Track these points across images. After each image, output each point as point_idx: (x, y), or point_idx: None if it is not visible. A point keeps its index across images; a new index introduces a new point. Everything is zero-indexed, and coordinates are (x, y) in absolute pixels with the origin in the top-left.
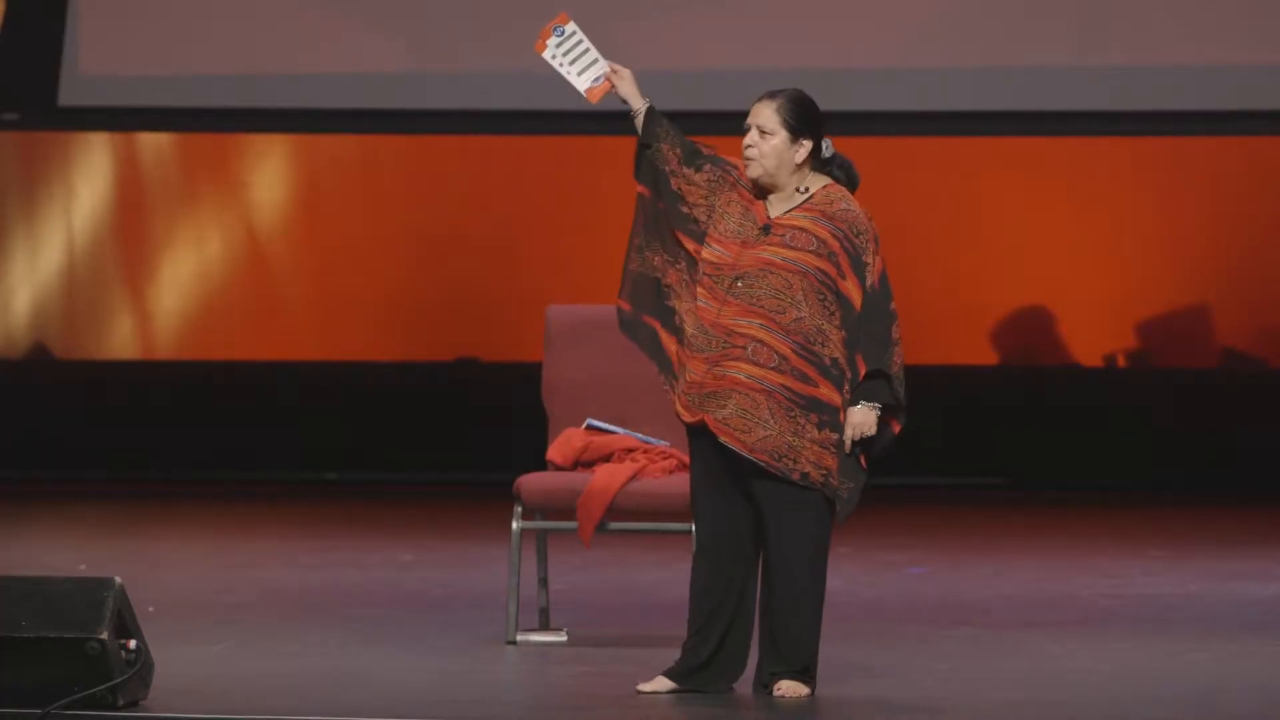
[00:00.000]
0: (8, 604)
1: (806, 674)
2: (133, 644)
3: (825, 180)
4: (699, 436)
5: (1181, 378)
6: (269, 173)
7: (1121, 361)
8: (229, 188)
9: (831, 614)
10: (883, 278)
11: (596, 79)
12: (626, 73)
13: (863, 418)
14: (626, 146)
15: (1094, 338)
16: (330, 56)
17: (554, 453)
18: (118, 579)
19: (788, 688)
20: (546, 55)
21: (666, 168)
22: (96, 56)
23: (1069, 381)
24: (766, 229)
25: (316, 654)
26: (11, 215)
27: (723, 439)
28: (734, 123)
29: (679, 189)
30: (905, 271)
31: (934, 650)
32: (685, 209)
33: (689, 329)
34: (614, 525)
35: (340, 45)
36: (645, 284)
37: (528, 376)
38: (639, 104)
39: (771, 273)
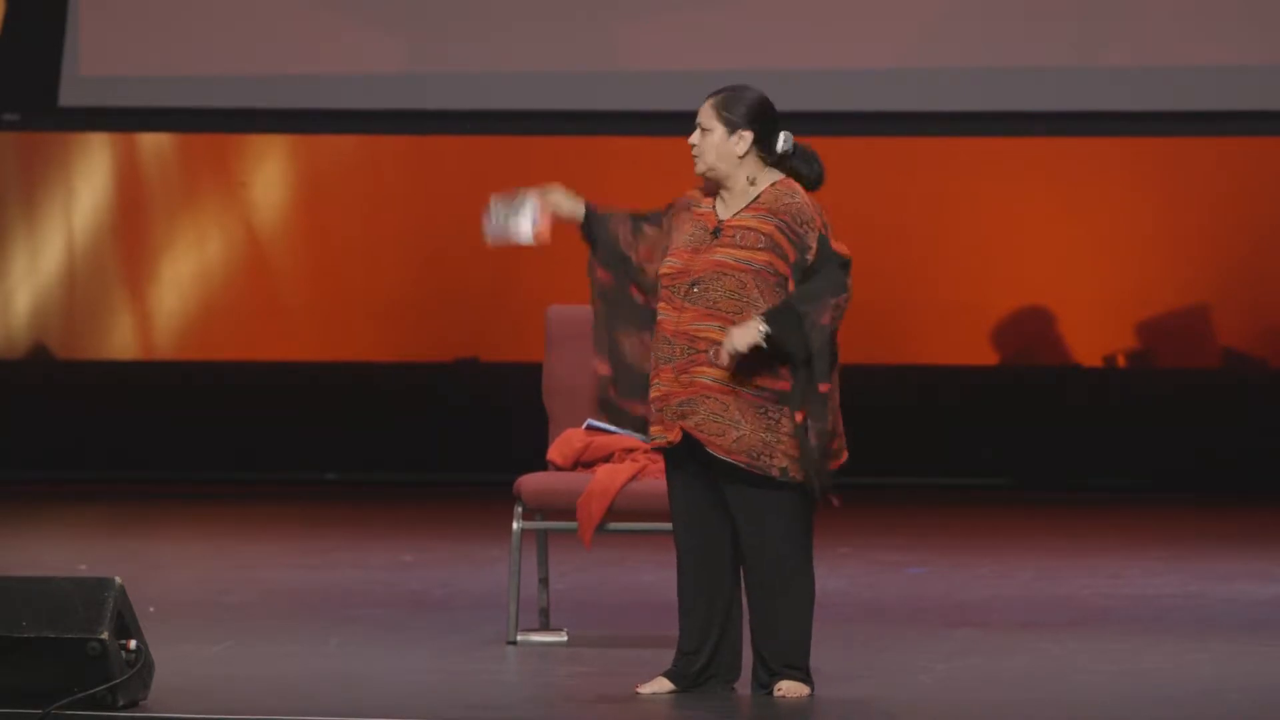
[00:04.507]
0: (8, 604)
1: (803, 671)
2: (133, 644)
3: (778, 176)
4: (672, 453)
5: (1181, 378)
6: (269, 173)
7: (1121, 361)
8: (229, 188)
9: (831, 614)
10: (834, 252)
11: (534, 220)
12: (553, 187)
13: (742, 332)
14: (627, 147)
15: (1094, 338)
16: (330, 56)
17: (554, 453)
18: (118, 579)
19: (788, 688)
20: (490, 237)
21: (627, 251)
22: (97, 57)
23: (1069, 381)
24: (717, 231)
25: (316, 654)
26: (11, 215)
27: (705, 446)
28: None
29: (641, 262)
30: (905, 271)
31: (934, 650)
32: (654, 271)
33: (657, 346)
34: (614, 525)
35: (340, 45)
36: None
37: (528, 376)
38: (579, 210)
39: (725, 274)
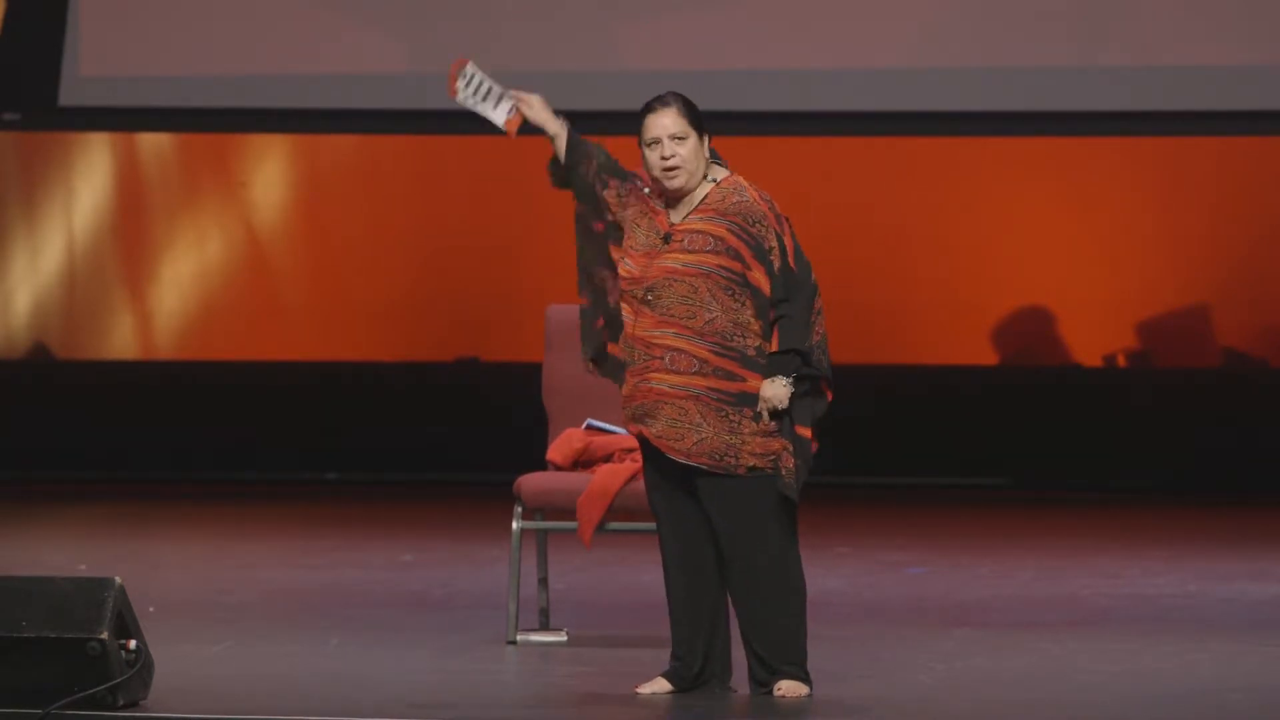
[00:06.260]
0: (8, 604)
1: (800, 668)
2: (133, 644)
3: (724, 170)
4: (647, 446)
5: (1181, 378)
6: (269, 173)
7: (1121, 361)
8: (229, 188)
9: (831, 614)
10: (797, 255)
11: (510, 111)
12: (534, 99)
13: (772, 391)
14: (627, 147)
15: (1094, 338)
16: (330, 56)
17: (554, 453)
18: (118, 579)
19: (788, 688)
20: (459, 99)
21: (593, 182)
22: (97, 57)
23: (1069, 381)
24: (667, 238)
25: (316, 654)
26: (11, 215)
27: (665, 453)
28: (736, 123)
29: (603, 200)
30: (905, 271)
31: (934, 650)
32: (610, 218)
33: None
34: (614, 525)
35: (340, 45)
36: (597, 292)
37: (528, 376)
38: (556, 127)
39: (676, 280)
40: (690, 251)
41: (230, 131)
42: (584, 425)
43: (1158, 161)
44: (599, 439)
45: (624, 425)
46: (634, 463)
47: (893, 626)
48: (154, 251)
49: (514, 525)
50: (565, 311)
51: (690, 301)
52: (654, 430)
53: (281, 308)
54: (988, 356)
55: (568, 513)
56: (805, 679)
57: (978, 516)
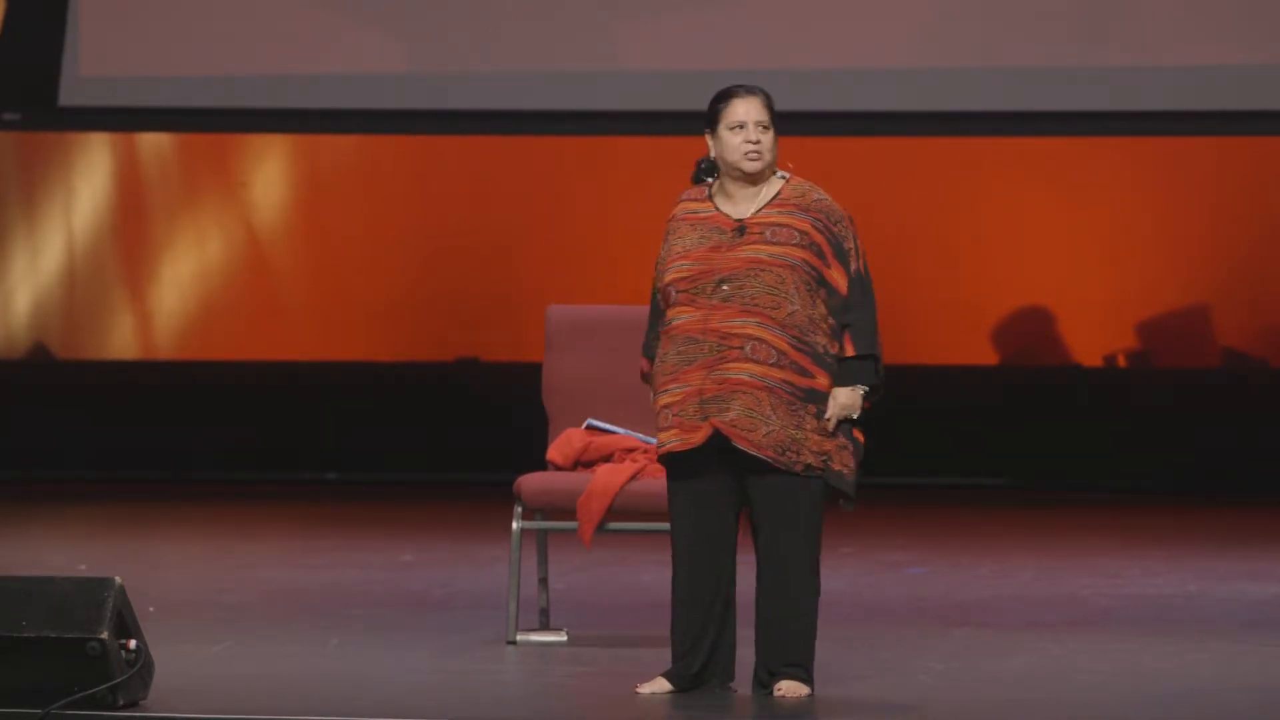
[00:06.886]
0: (8, 604)
1: (806, 670)
2: (133, 644)
3: (783, 171)
4: (682, 456)
5: (1181, 378)
6: (269, 173)
7: (1121, 361)
8: (229, 188)
9: (831, 614)
10: (865, 263)
11: None
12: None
13: (850, 399)
14: (628, 146)
15: (1094, 338)
16: (330, 56)
17: (554, 453)
18: (118, 579)
19: (788, 688)
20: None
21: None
22: (97, 57)
23: (1069, 381)
24: (742, 229)
25: (316, 654)
26: (11, 215)
27: (734, 441)
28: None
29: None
30: (905, 271)
31: (934, 650)
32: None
33: (668, 352)
34: (614, 525)
35: (340, 45)
36: None
37: (528, 376)
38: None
39: (763, 270)
40: (775, 243)
41: (230, 131)
42: (584, 425)
43: (1158, 161)
44: (599, 439)
45: (668, 431)
46: (634, 463)
47: (893, 626)
48: (154, 251)
49: (514, 525)
50: (565, 311)
51: (776, 292)
52: (727, 418)
53: (281, 308)
54: (988, 356)
55: (568, 513)
56: (807, 680)
57: (978, 516)
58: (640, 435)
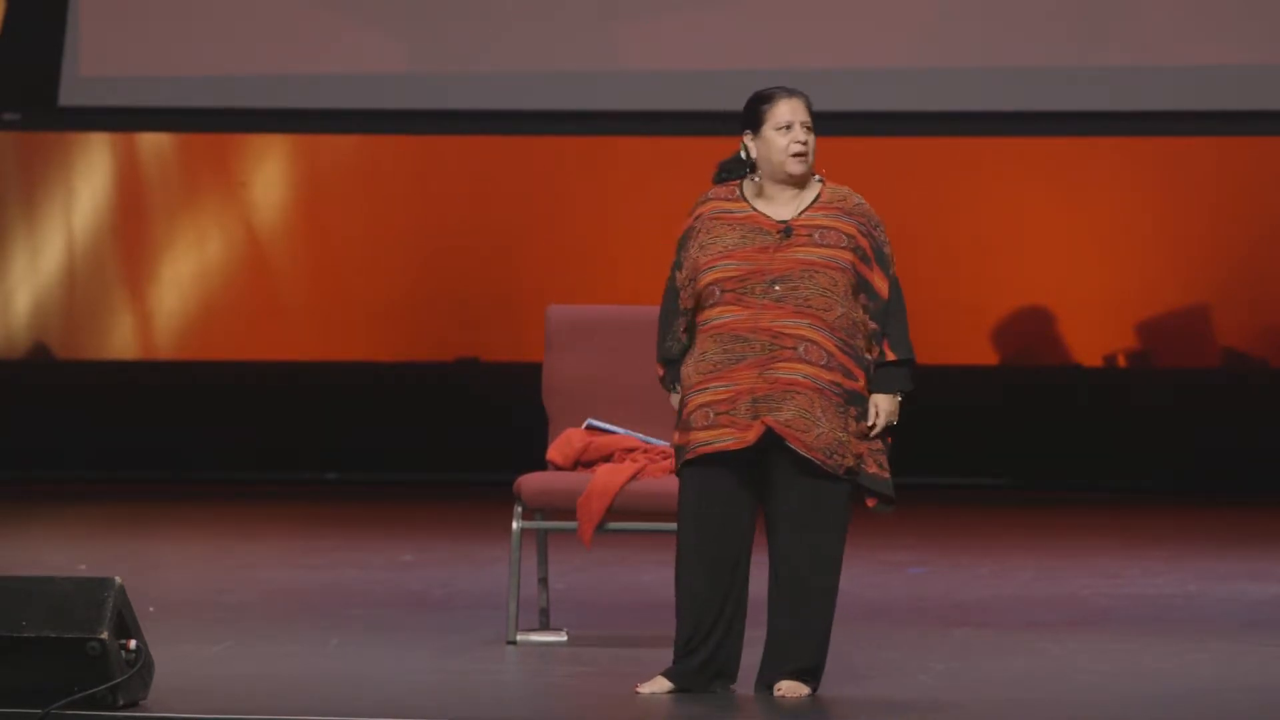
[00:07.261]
0: (8, 604)
1: (818, 672)
2: (133, 644)
3: (818, 175)
4: (699, 458)
5: (1181, 378)
6: (269, 173)
7: (1121, 361)
8: (229, 188)
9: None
10: (895, 278)
11: None
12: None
13: (892, 406)
14: (628, 147)
15: (1094, 338)
16: (330, 56)
17: (554, 453)
18: (118, 579)
19: (788, 688)
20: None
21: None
22: (96, 57)
23: (1069, 381)
24: (789, 231)
25: (316, 654)
26: (11, 215)
27: (787, 441)
28: (732, 124)
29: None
30: (906, 272)
31: (934, 650)
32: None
33: (708, 351)
34: (614, 525)
35: (340, 45)
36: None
37: (528, 376)
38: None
39: (816, 272)
40: (824, 245)
41: (230, 131)
42: (584, 425)
43: (1158, 161)
44: (599, 439)
45: (719, 430)
46: (634, 463)
47: (893, 626)
48: (154, 251)
49: (514, 525)
50: (565, 311)
51: (828, 294)
52: (781, 418)
53: (281, 308)
54: (988, 356)
55: (568, 513)
56: (809, 681)
57: (978, 516)
58: (640, 435)
